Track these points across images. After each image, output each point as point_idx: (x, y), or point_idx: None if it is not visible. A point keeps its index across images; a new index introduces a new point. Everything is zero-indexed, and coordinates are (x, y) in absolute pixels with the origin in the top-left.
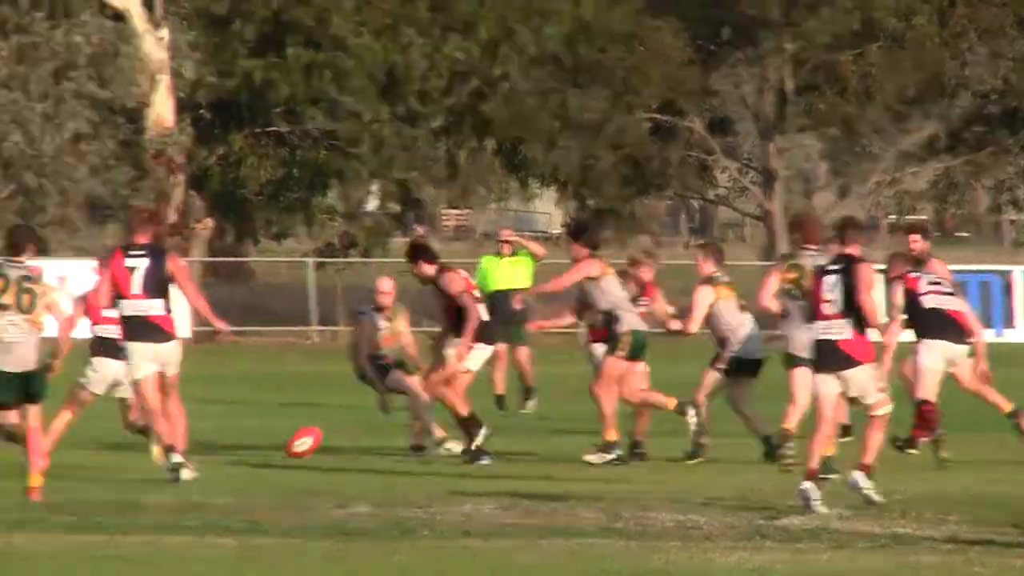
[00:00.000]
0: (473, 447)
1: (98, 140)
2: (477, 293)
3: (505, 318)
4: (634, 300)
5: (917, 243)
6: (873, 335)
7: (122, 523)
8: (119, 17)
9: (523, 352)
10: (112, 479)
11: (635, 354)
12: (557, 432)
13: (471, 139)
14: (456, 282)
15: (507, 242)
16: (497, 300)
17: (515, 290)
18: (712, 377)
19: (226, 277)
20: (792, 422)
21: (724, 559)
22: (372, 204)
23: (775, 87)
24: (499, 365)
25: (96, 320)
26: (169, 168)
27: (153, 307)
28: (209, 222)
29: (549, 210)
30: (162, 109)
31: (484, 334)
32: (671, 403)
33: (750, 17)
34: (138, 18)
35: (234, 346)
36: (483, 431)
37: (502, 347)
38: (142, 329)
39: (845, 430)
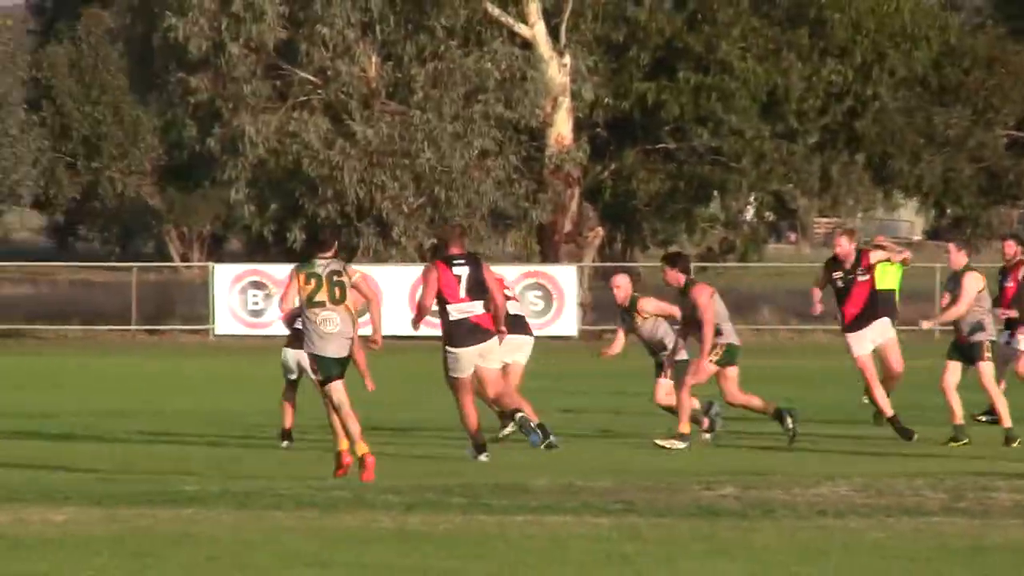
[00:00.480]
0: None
1: (502, 156)
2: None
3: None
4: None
5: None
6: None
7: (509, 505)
8: (526, 45)
9: (890, 340)
10: (497, 464)
11: (727, 361)
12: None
13: (843, 154)
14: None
15: (880, 247)
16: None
17: (886, 290)
18: None
19: None
20: None
21: None
22: (750, 213)
23: None
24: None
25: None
26: (566, 182)
27: (475, 308)
28: (600, 231)
29: (911, 218)
30: (562, 128)
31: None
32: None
33: None
34: (544, 46)
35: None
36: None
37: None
38: (468, 328)
39: None
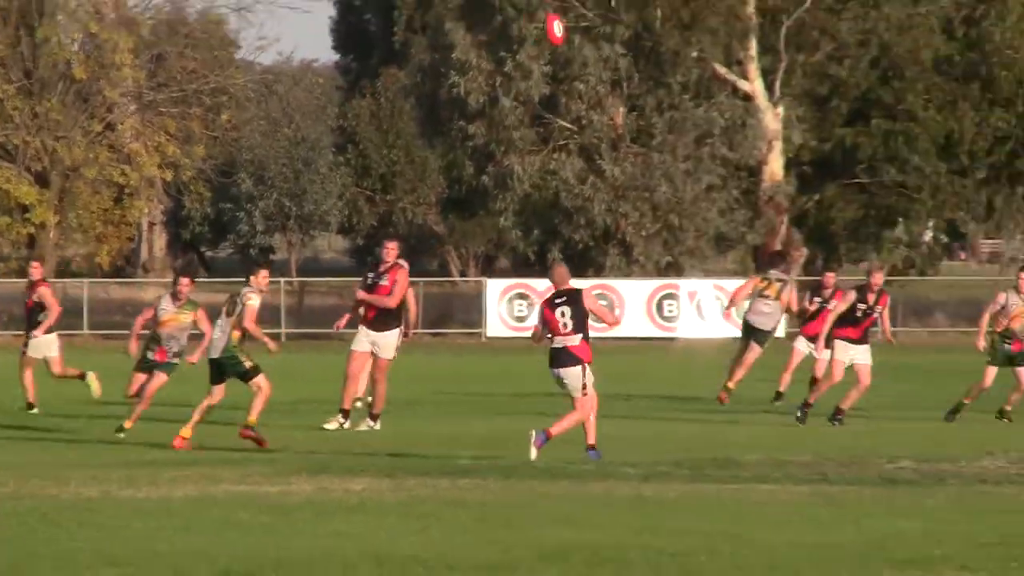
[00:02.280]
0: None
1: (725, 190)
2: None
3: None
4: None
5: None
6: None
7: (725, 475)
8: (747, 98)
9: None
10: (715, 441)
11: None
12: None
13: (1006, 187)
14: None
15: None
16: None
17: None
18: None
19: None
20: None
21: None
22: (928, 235)
23: None
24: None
25: None
26: (777, 211)
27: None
28: (804, 250)
29: None
30: (775, 166)
31: None
32: None
33: None
34: (761, 98)
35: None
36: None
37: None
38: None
39: None
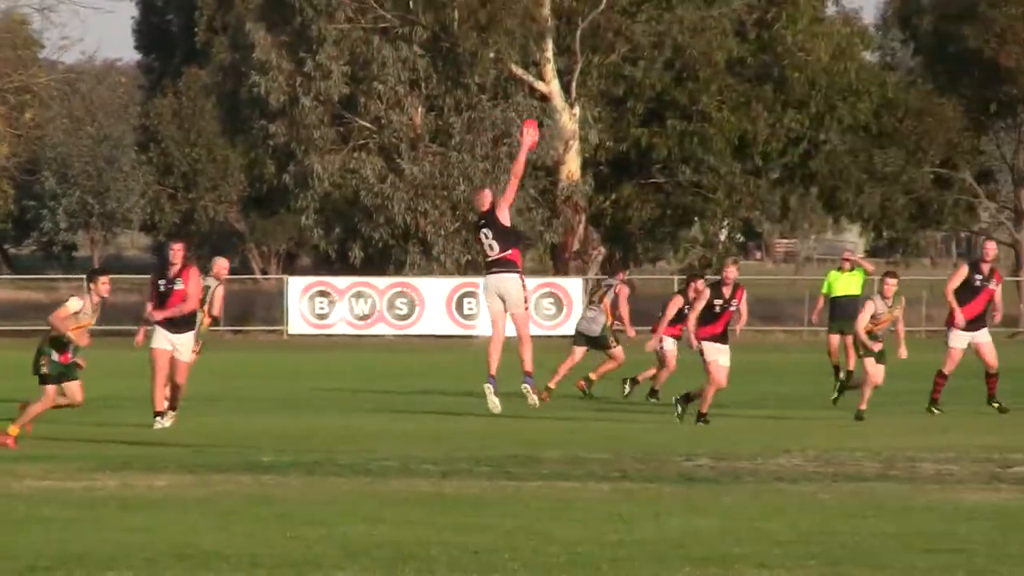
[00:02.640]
0: None
1: (523, 190)
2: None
3: (842, 315)
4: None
5: None
6: None
7: (526, 472)
8: (544, 98)
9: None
10: (516, 439)
11: None
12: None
13: (800, 187)
14: None
15: (847, 260)
16: (838, 303)
17: (850, 296)
18: None
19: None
20: None
21: (971, 498)
22: (723, 235)
23: None
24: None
25: None
26: (574, 210)
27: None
28: (601, 249)
29: (854, 239)
30: (572, 166)
31: None
32: None
33: (1012, 95)
34: (558, 99)
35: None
36: None
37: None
38: None
39: None
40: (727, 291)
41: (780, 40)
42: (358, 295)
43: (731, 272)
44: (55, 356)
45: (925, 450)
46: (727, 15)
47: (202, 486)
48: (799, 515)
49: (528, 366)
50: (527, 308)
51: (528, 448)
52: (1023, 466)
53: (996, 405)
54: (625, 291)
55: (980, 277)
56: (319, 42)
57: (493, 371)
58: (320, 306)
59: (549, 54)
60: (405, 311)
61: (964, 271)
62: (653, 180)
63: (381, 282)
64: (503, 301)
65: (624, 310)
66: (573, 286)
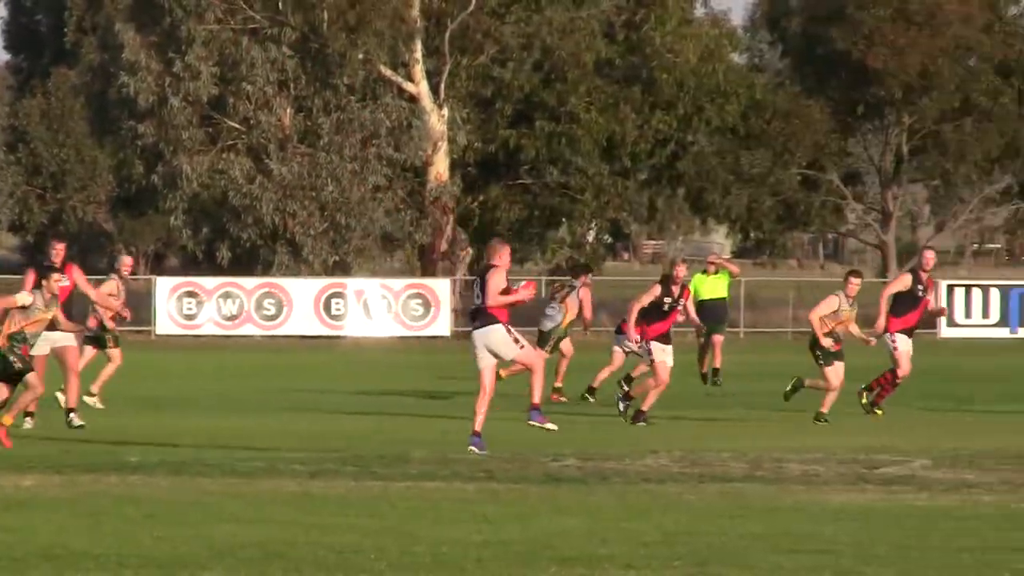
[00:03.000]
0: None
1: (391, 190)
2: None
3: (711, 317)
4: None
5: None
6: None
7: (393, 473)
8: (412, 99)
9: (718, 339)
10: (384, 439)
11: None
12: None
13: (667, 188)
14: None
15: (712, 263)
16: (705, 304)
17: (717, 298)
18: None
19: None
20: None
21: (836, 499)
22: (591, 236)
23: (894, 149)
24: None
25: None
26: (443, 211)
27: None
28: (469, 250)
29: (721, 240)
30: (440, 167)
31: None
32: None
33: (879, 97)
34: (426, 100)
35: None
36: None
37: (717, 337)
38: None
39: None
40: (676, 290)
41: (648, 42)
42: (226, 295)
43: (681, 271)
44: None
45: (791, 451)
46: (596, 16)
47: (70, 486)
48: (665, 516)
49: (536, 397)
50: (522, 346)
51: (396, 448)
52: (889, 467)
53: (878, 411)
54: (589, 295)
55: (921, 288)
56: (188, 43)
57: (478, 427)
58: (188, 306)
59: (418, 55)
60: (273, 311)
61: (908, 279)
62: (521, 181)
63: (249, 283)
64: (494, 355)
65: (588, 311)
66: (441, 287)
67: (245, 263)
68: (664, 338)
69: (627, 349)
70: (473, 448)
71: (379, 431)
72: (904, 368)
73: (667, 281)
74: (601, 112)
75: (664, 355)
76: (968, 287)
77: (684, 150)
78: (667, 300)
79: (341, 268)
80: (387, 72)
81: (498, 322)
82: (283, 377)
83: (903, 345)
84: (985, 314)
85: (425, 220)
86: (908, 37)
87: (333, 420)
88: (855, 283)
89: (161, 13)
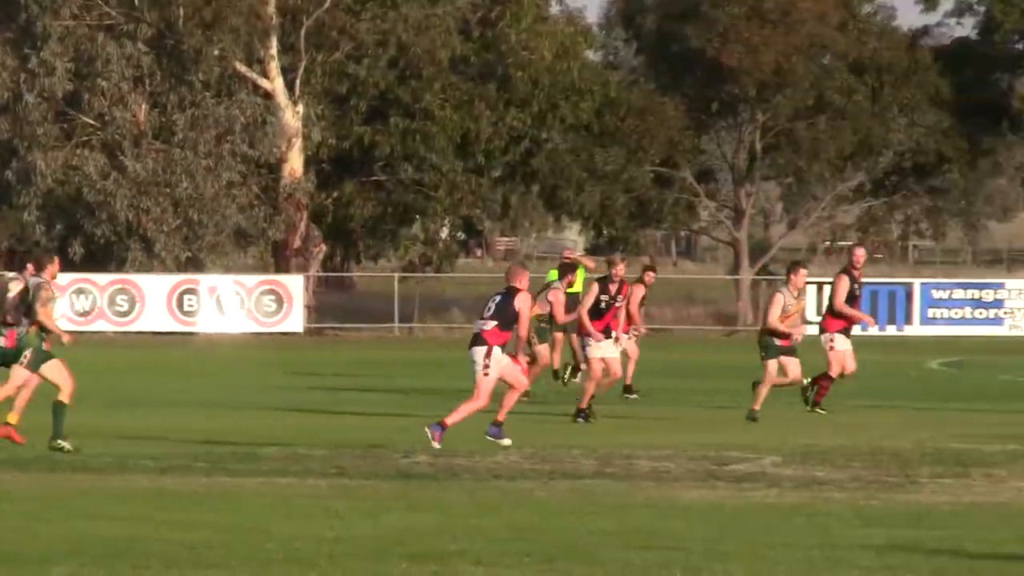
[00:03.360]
0: None
1: (246, 186)
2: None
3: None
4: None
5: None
6: None
7: (245, 469)
8: (267, 96)
9: (575, 338)
10: (236, 434)
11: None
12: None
13: (521, 185)
14: None
15: (568, 259)
16: None
17: (572, 294)
18: None
19: (334, 287)
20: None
21: (687, 495)
22: (444, 233)
23: (747, 147)
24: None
25: None
26: (296, 207)
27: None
28: (323, 247)
29: (575, 238)
30: (295, 163)
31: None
32: None
33: (733, 95)
34: (281, 97)
35: (337, 339)
36: None
37: (560, 335)
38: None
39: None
40: (613, 288)
41: (504, 39)
42: (79, 291)
43: (620, 269)
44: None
45: (642, 448)
46: (451, 14)
47: None
48: (516, 512)
49: (501, 415)
50: (486, 374)
51: (248, 445)
52: (739, 464)
53: (821, 410)
54: (559, 295)
55: (858, 287)
56: (44, 39)
57: (500, 417)
58: None
59: (274, 52)
60: (126, 308)
61: (846, 281)
62: (375, 178)
63: (102, 279)
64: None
65: (559, 311)
66: (294, 283)
67: (99, 259)
68: (606, 333)
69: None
70: (492, 439)
71: (231, 427)
72: (849, 366)
73: (605, 280)
74: (456, 109)
75: (601, 351)
76: (820, 284)
77: (538, 147)
78: (604, 298)
79: (194, 264)
80: (242, 69)
81: (486, 344)
82: (136, 373)
83: (840, 345)
84: None
85: (279, 216)
86: (762, 35)
87: (185, 416)
88: (802, 274)
89: (16, 9)
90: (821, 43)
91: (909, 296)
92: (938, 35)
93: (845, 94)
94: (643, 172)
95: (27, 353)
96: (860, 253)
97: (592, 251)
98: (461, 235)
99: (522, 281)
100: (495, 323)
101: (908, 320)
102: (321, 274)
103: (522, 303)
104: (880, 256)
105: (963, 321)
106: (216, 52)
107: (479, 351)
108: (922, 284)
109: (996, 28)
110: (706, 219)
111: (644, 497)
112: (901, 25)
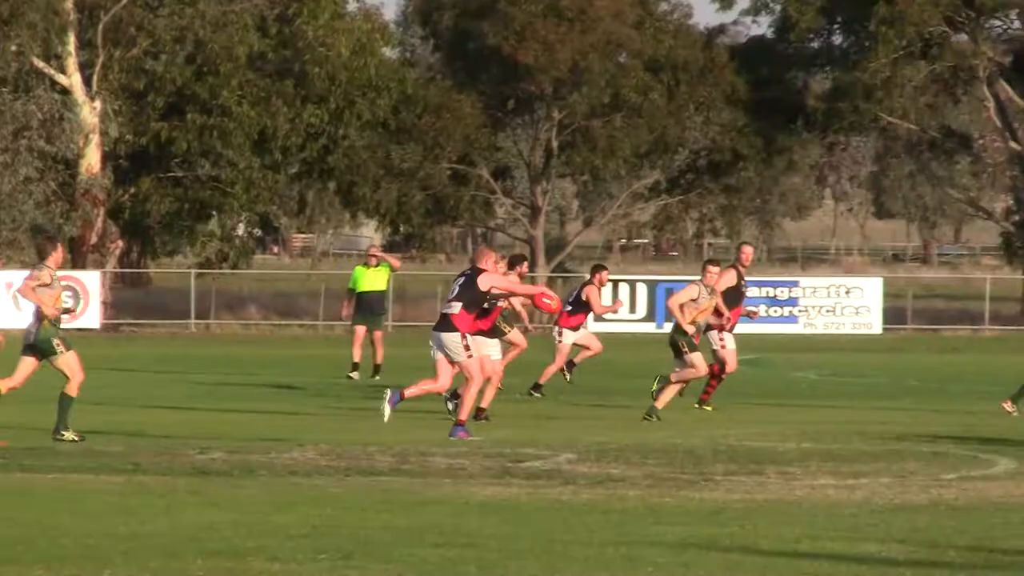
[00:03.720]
0: None
1: (43, 182)
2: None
3: (369, 311)
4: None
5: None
6: None
7: (41, 464)
8: (65, 91)
9: (379, 335)
10: (32, 433)
11: None
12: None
13: (318, 182)
14: None
15: (373, 256)
16: (364, 297)
17: (377, 291)
18: None
19: (131, 283)
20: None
21: (482, 492)
22: (241, 229)
23: (544, 144)
24: (357, 344)
25: None
26: (94, 203)
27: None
28: (120, 243)
29: (371, 234)
30: (92, 160)
31: None
32: None
33: (529, 93)
34: (79, 92)
35: (133, 335)
36: None
37: (362, 329)
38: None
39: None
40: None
41: (301, 35)
42: None
43: (501, 267)
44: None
45: (438, 445)
46: (248, 10)
47: None
48: (312, 509)
49: (463, 414)
50: (470, 356)
51: (43, 440)
52: (534, 461)
53: (707, 407)
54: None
55: (744, 284)
56: None
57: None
58: None
59: (71, 48)
60: None
61: (733, 275)
62: (172, 174)
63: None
64: (445, 356)
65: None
66: (91, 279)
67: None
68: (488, 333)
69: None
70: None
71: (28, 423)
72: (731, 365)
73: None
74: (253, 105)
75: (486, 349)
76: (615, 282)
77: (335, 144)
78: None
79: None
80: (40, 64)
81: (456, 331)
82: None
83: (731, 343)
84: (632, 308)
85: (75, 212)
86: (559, 33)
87: None
88: (713, 272)
89: None
90: (617, 41)
91: None
92: (734, 33)
93: (641, 92)
94: (440, 169)
95: (56, 341)
96: (748, 251)
97: (388, 248)
98: (258, 232)
99: (486, 261)
100: (460, 304)
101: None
102: (118, 270)
103: (486, 281)
104: (676, 254)
105: (758, 319)
106: (13, 48)
107: (451, 337)
108: None
109: (791, 27)
110: (502, 216)
111: (439, 494)
112: (698, 23)
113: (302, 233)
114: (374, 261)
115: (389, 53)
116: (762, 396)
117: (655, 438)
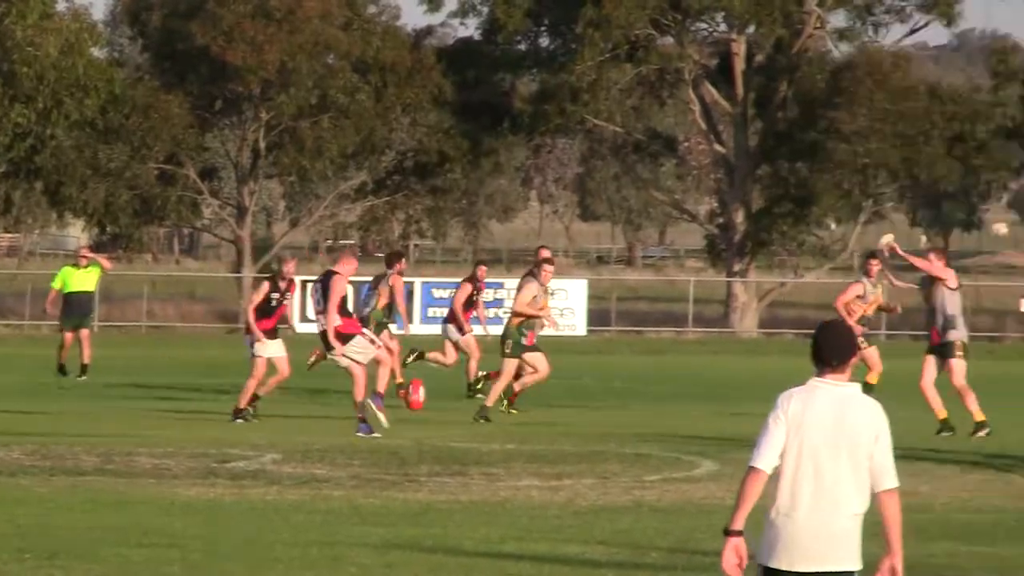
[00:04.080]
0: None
1: None
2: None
3: (78, 311)
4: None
5: None
6: None
7: None
8: None
9: (86, 334)
10: None
11: None
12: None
13: (24, 182)
14: None
15: (84, 256)
16: (72, 297)
17: (86, 292)
18: None
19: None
20: None
21: (186, 492)
22: None
23: (251, 145)
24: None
25: None
26: None
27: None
28: None
29: (78, 234)
30: None
31: None
32: None
33: (237, 93)
34: None
35: None
36: None
37: (71, 336)
38: None
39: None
40: (283, 285)
41: (9, 35)
42: None
43: (290, 267)
44: None
45: (143, 445)
46: None
47: None
48: (17, 508)
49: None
50: (379, 347)
51: None
52: (240, 461)
53: (514, 411)
54: (400, 282)
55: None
56: None
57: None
58: None
59: None
60: None
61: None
62: None
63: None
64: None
65: (401, 301)
66: None
67: None
68: (271, 333)
69: (454, 339)
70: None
71: None
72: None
73: (275, 278)
74: None
75: (269, 350)
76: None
77: (43, 144)
78: (275, 296)
79: None
80: None
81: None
82: None
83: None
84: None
85: None
86: (267, 34)
87: None
88: (549, 270)
89: None
90: (325, 42)
91: (411, 295)
92: (442, 35)
93: (349, 93)
94: (147, 169)
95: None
96: (545, 253)
97: (95, 248)
98: None
99: (342, 265)
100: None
101: (409, 319)
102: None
103: (333, 282)
104: (380, 255)
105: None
106: None
107: (355, 346)
108: (423, 283)
109: (499, 29)
110: (209, 216)
111: (144, 494)
112: (406, 25)
113: (8, 233)
114: (84, 262)
115: (98, 53)
116: (465, 398)
117: (360, 439)
